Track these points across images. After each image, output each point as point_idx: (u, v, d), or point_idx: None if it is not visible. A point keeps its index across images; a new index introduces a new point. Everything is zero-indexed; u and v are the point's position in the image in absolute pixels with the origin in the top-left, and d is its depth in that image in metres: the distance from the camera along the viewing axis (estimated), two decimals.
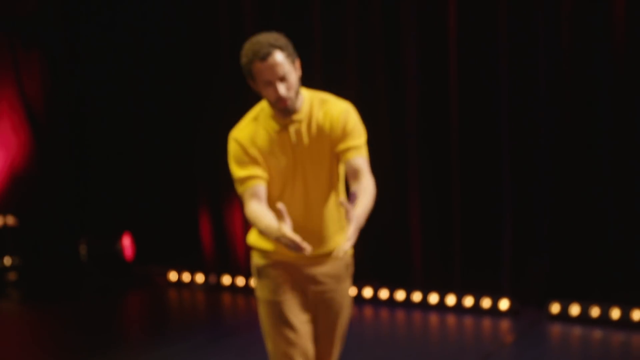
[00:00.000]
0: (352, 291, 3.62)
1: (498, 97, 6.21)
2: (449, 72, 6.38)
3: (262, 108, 3.37)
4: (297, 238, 2.94)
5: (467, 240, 6.46)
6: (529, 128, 6.18)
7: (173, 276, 7.73)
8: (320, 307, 3.49)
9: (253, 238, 3.49)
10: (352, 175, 3.25)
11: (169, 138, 7.97)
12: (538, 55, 6.06)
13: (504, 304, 6.23)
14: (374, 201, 3.17)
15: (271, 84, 3.18)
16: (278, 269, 3.43)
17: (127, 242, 8.05)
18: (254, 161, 3.29)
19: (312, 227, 3.36)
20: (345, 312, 3.56)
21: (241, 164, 3.29)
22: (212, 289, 7.56)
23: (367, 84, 6.70)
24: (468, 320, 6.27)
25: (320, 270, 3.45)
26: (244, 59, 3.20)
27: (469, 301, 6.35)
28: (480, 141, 6.37)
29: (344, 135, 3.28)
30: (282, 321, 3.39)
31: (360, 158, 3.26)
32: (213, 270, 7.65)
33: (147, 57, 7.94)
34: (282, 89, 3.17)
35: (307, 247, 2.96)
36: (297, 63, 3.25)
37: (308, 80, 3.97)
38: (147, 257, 8.12)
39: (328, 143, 3.30)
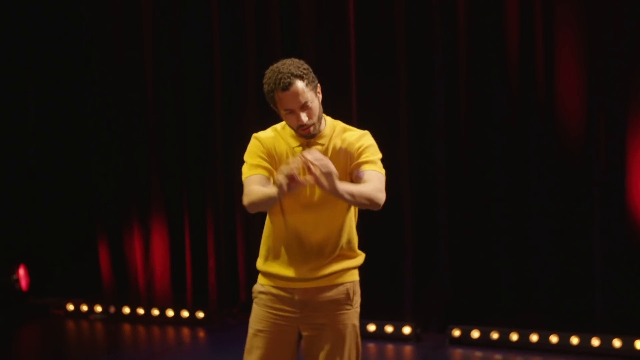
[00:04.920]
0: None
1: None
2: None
3: (285, 124, 3.40)
4: (292, 167, 3.00)
5: (371, 271, 6.70)
6: (427, 158, 6.56)
7: (70, 307, 7.60)
8: (316, 341, 3.40)
9: (258, 262, 3.48)
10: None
11: (65, 166, 7.89)
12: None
13: (406, 330, 6.48)
14: (364, 202, 3.18)
15: (293, 112, 3.24)
16: (271, 296, 3.41)
17: (22, 272, 7.87)
18: (267, 159, 3.32)
19: (311, 249, 3.35)
20: (348, 350, 3.42)
21: (255, 156, 3.34)
22: (111, 319, 7.46)
23: None
24: (371, 345, 6.47)
25: (316, 297, 3.39)
26: (266, 87, 3.27)
27: (372, 327, 6.55)
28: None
29: (359, 153, 3.31)
30: (252, 351, 3.43)
31: (372, 171, 3.28)
32: (112, 300, 7.57)
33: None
34: (304, 117, 3.23)
35: (304, 180, 2.99)
36: (319, 88, 3.31)
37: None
38: (43, 288, 7.95)
39: (342, 168, 3.29)
